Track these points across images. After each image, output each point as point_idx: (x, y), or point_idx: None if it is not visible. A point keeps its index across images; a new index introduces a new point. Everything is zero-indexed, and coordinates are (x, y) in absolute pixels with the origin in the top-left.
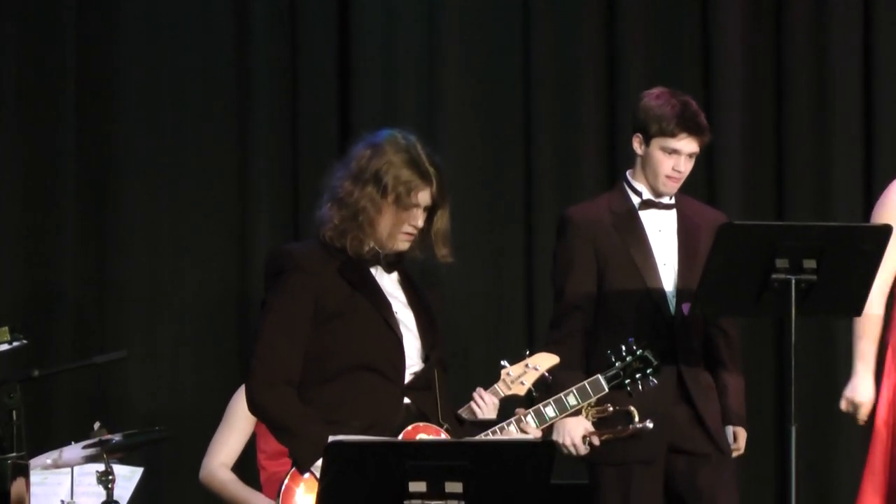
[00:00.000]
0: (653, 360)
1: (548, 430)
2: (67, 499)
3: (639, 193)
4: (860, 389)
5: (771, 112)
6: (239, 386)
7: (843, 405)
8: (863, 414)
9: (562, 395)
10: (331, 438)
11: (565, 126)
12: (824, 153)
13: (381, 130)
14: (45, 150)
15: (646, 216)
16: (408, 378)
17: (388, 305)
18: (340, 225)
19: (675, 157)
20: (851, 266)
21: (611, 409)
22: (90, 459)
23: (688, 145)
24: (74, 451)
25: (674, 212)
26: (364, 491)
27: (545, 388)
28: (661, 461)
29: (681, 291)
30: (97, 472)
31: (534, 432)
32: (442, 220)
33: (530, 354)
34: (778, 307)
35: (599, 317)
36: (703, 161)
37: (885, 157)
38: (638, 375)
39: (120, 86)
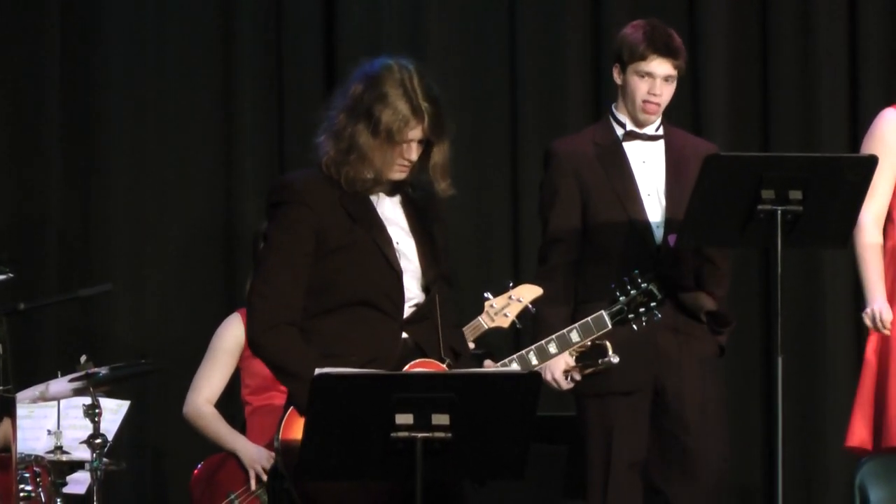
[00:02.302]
0: (657, 293)
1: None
2: (54, 431)
3: (622, 125)
4: (879, 305)
5: (756, 43)
6: (224, 319)
7: (868, 321)
8: (886, 318)
9: (564, 331)
10: (317, 371)
11: (551, 59)
12: (810, 84)
13: (379, 58)
14: (29, 83)
15: (630, 147)
16: (408, 311)
17: (388, 239)
18: (336, 157)
19: (650, 80)
20: (837, 197)
21: (589, 343)
22: (77, 393)
23: (660, 67)
24: (61, 384)
25: (661, 143)
26: (351, 423)
27: (529, 319)
28: (647, 392)
29: (668, 221)
30: (84, 405)
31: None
32: (439, 154)
33: (514, 286)
34: (764, 238)
35: (585, 249)
36: (688, 93)
37: (871, 87)
38: (642, 310)
39: (105, 17)
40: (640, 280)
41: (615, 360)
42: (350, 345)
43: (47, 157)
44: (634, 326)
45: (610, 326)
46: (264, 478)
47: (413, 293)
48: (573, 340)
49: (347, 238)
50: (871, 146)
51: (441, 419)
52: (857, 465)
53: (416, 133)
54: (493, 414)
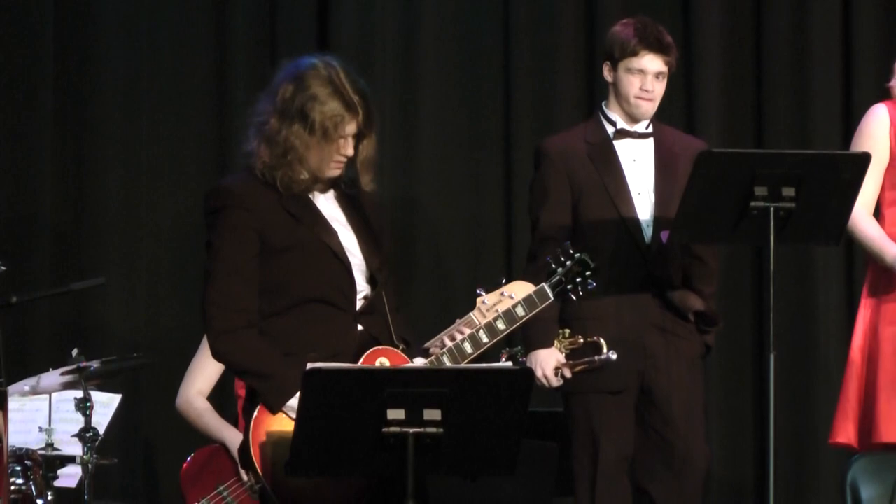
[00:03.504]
0: (590, 262)
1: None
2: (45, 425)
3: (613, 123)
4: None
5: (749, 41)
6: None
7: None
8: None
9: (510, 307)
10: (309, 366)
11: (544, 57)
12: (803, 81)
13: (302, 59)
14: (21, 75)
15: (620, 146)
16: (358, 304)
17: (333, 233)
18: (270, 161)
19: (642, 76)
20: (830, 194)
21: (581, 340)
22: (68, 386)
23: (651, 63)
24: (52, 377)
25: (651, 141)
26: (343, 418)
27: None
28: (633, 390)
29: (657, 220)
30: (75, 398)
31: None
32: (368, 149)
33: (506, 283)
34: (757, 235)
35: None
36: (682, 89)
37: (864, 84)
38: (578, 280)
39: (99, 9)
40: (571, 251)
41: (613, 356)
42: (308, 343)
43: (40, 151)
44: (573, 297)
45: (552, 298)
46: None
47: (361, 286)
48: (519, 315)
49: (292, 238)
50: (859, 142)
51: (433, 414)
52: (848, 462)
53: (351, 128)
54: (485, 410)
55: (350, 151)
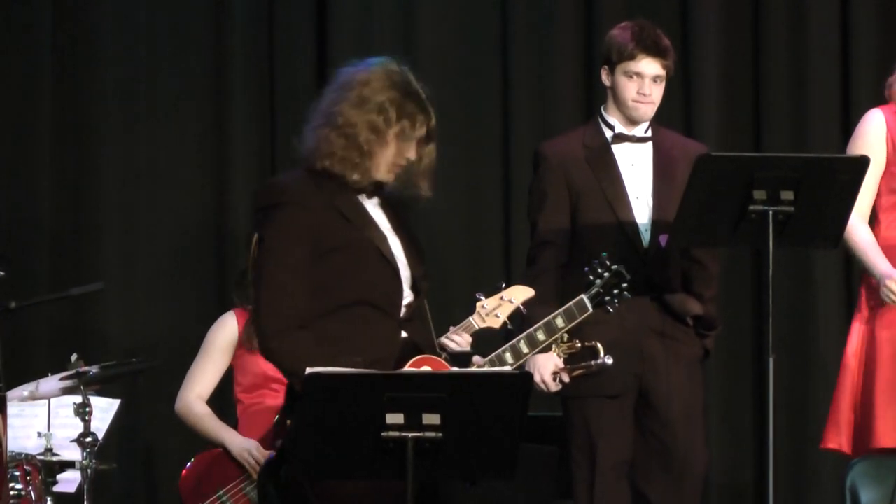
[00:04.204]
0: (626, 274)
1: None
2: (44, 430)
3: (611, 127)
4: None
5: (748, 44)
6: (216, 318)
7: (887, 297)
8: None
9: (549, 318)
10: (308, 370)
11: (543, 60)
12: (802, 84)
13: (370, 59)
14: (21, 80)
15: (619, 150)
16: (402, 311)
17: (383, 237)
18: (341, 153)
19: (639, 80)
20: (829, 197)
21: (579, 345)
22: (67, 391)
23: (649, 66)
24: (51, 382)
25: (649, 145)
26: (342, 423)
27: (520, 320)
28: (632, 394)
29: (655, 224)
30: (74, 403)
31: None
32: (430, 156)
33: (506, 287)
34: (755, 238)
35: (574, 251)
36: (680, 94)
37: (862, 87)
38: (615, 291)
39: (98, 16)
40: (608, 262)
41: (609, 360)
42: (352, 346)
43: (38, 155)
44: (610, 308)
45: (591, 310)
46: (257, 467)
47: (406, 292)
48: (559, 326)
49: (343, 238)
50: (855, 147)
51: (432, 419)
52: (847, 465)
53: (422, 131)
54: (484, 414)
55: (413, 154)
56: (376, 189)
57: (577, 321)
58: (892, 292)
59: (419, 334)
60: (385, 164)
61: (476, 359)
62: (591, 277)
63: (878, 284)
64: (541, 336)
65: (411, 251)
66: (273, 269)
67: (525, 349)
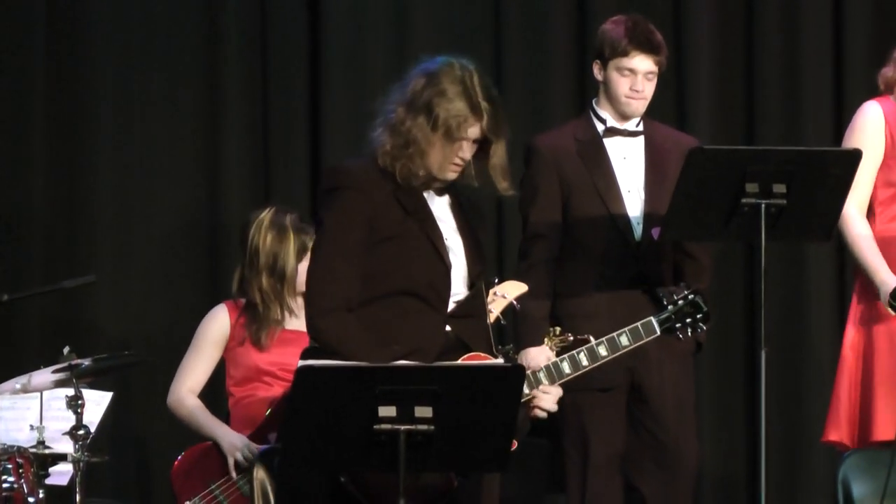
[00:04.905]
0: (703, 306)
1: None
2: (37, 423)
3: (603, 121)
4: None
5: (741, 37)
6: (207, 311)
7: (892, 310)
8: None
9: (614, 335)
10: (300, 363)
11: (536, 55)
12: (795, 77)
13: (438, 57)
14: (14, 73)
15: (610, 143)
16: (451, 306)
17: (439, 233)
18: (392, 151)
19: (632, 76)
20: (821, 190)
21: (571, 338)
22: (59, 384)
23: (642, 63)
24: (44, 375)
25: (641, 138)
26: (335, 415)
27: (513, 315)
28: (624, 388)
29: (647, 217)
30: (67, 396)
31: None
32: (497, 155)
33: (498, 282)
34: (748, 232)
35: (565, 244)
36: (673, 87)
37: (856, 80)
38: (688, 320)
39: (91, 9)
40: (686, 292)
41: None
42: (394, 334)
43: (31, 148)
44: (680, 336)
45: (658, 333)
46: (245, 465)
47: (458, 288)
48: (623, 344)
49: (399, 228)
50: (851, 139)
51: (424, 412)
52: (840, 458)
53: (473, 131)
54: (477, 407)
55: (468, 155)
56: (448, 188)
57: (643, 342)
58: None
59: (468, 331)
60: (436, 163)
61: (532, 363)
62: (665, 302)
63: (878, 290)
64: (603, 351)
65: (472, 249)
66: (327, 250)
67: (585, 362)
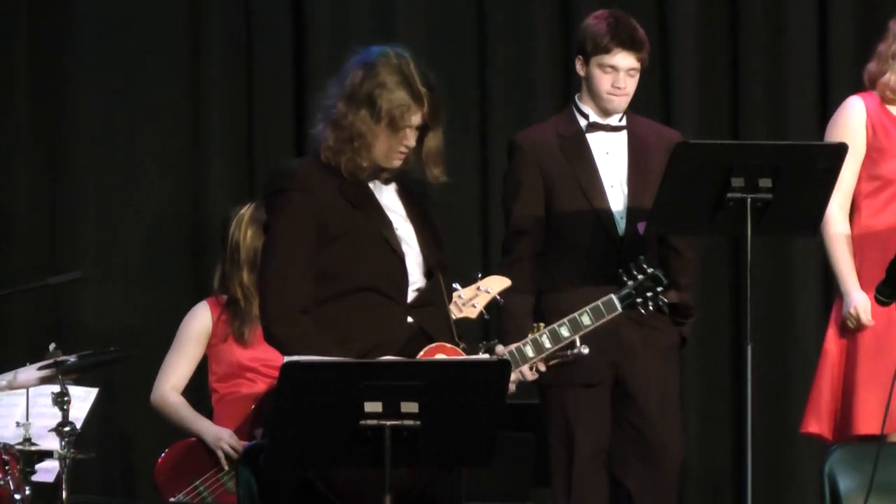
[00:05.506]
0: (663, 278)
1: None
2: (23, 420)
3: (585, 116)
4: (855, 299)
5: (725, 31)
6: (191, 308)
7: (850, 323)
8: (864, 319)
9: (576, 314)
10: (286, 359)
11: (520, 50)
12: (780, 72)
13: (373, 47)
14: None
15: (593, 138)
16: (411, 296)
17: (389, 224)
18: (336, 146)
19: (614, 73)
20: (807, 185)
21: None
22: (45, 380)
23: (624, 60)
24: (29, 372)
25: (624, 133)
26: (320, 411)
27: (496, 310)
28: (608, 383)
29: (630, 212)
30: (52, 393)
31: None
32: (434, 140)
33: (482, 277)
34: (733, 226)
35: (549, 240)
36: (658, 81)
37: (841, 75)
38: (649, 294)
39: (75, 5)
40: (645, 265)
41: (585, 350)
42: (356, 331)
43: (15, 145)
44: (642, 311)
45: (620, 310)
46: (233, 456)
47: (415, 277)
48: (585, 323)
49: (349, 225)
50: (835, 134)
51: (410, 407)
52: (826, 453)
53: (416, 119)
54: (462, 402)
55: (412, 142)
56: (394, 176)
57: (605, 320)
58: (852, 319)
59: (429, 320)
60: (382, 153)
61: (499, 348)
62: (625, 278)
63: (843, 298)
64: (565, 332)
65: (426, 236)
66: (277, 255)
67: (548, 344)
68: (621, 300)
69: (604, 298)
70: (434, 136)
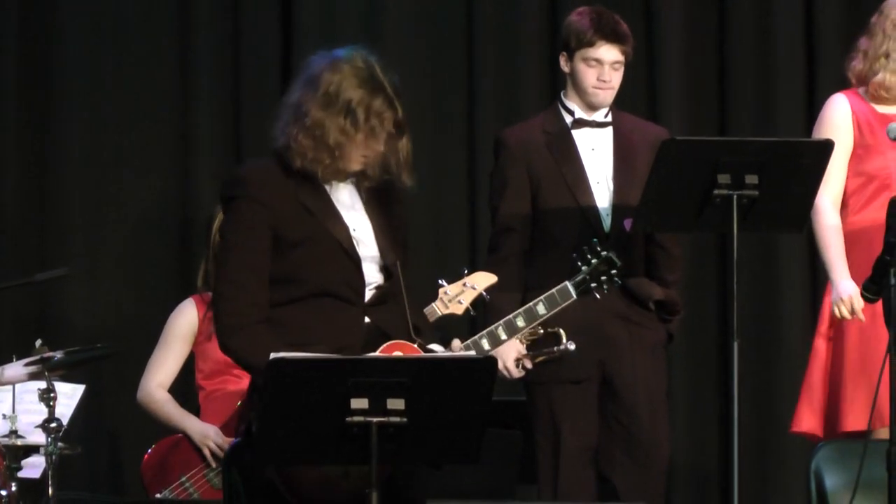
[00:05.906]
0: (616, 260)
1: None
2: (9, 413)
3: (571, 112)
4: (843, 288)
5: (712, 27)
6: (177, 305)
7: (837, 312)
8: (857, 306)
9: (531, 304)
10: (272, 355)
11: (508, 47)
12: (766, 68)
13: (339, 50)
14: None
15: (579, 135)
16: (368, 295)
17: (345, 228)
18: (309, 153)
19: (598, 67)
20: (793, 181)
21: (541, 331)
22: (32, 377)
23: (608, 53)
24: (16, 368)
25: (609, 129)
26: (306, 408)
27: (483, 307)
28: (595, 380)
29: (616, 208)
30: (39, 389)
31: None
32: (406, 147)
33: (468, 274)
34: (720, 223)
35: (535, 236)
36: (644, 77)
37: (827, 72)
38: (604, 278)
39: (62, 4)
40: (599, 249)
41: (572, 346)
42: (314, 334)
43: (2, 142)
44: (597, 295)
45: (574, 297)
46: (219, 453)
47: (373, 277)
48: (540, 313)
49: (304, 232)
50: (821, 131)
51: (396, 404)
52: (812, 450)
53: (389, 126)
54: (449, 398)
55: (382, 146)
56: (352, 173)
57: (560, 308)
58: (844, 306)
59: (387, 318)
60: (356, 158)
61: (455, 343)
62: (579, 263)
63: (833, 288)
64: (520, 323)
65: (384, 234)
66: (231, 264)
67: (503, 335)
68: (575, 286)
69: (558, 286)
70: (405, 142)
